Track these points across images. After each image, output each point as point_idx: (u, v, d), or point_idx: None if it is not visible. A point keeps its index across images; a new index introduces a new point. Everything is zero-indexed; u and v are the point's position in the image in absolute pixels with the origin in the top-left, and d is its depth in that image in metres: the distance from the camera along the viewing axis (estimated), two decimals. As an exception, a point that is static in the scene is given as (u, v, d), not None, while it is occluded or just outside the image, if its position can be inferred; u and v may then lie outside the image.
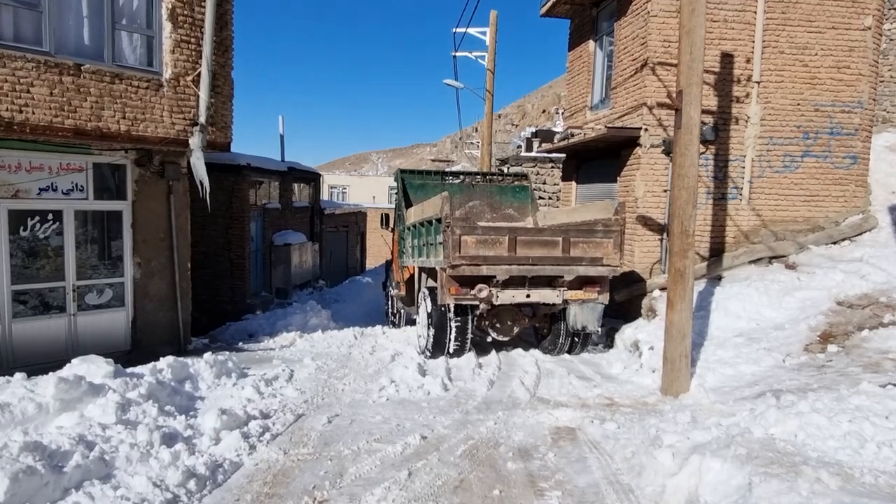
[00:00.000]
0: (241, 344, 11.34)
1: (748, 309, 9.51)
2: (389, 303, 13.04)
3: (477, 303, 8.39)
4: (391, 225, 13.07)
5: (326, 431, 6.07)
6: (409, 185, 11.44)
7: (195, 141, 9.05)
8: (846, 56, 11.74)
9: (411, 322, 12.59)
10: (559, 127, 27.40)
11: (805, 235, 11.79)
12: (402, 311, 12.32)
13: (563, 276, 8.23)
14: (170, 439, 5.19)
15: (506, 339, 9.51)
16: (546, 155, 18.25)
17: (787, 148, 11.80)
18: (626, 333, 10.14)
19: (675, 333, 7.10)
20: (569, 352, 9.62)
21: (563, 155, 16.34)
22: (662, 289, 11.49)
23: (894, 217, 11.67)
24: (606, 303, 8.89)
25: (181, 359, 7.52)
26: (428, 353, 9.21)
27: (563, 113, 29.11)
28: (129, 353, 9.91)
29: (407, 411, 6.86)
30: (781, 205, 11.95)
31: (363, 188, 47.59)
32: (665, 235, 11.55)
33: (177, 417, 5.86)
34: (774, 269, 11.12)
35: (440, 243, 8.17)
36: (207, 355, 7.88)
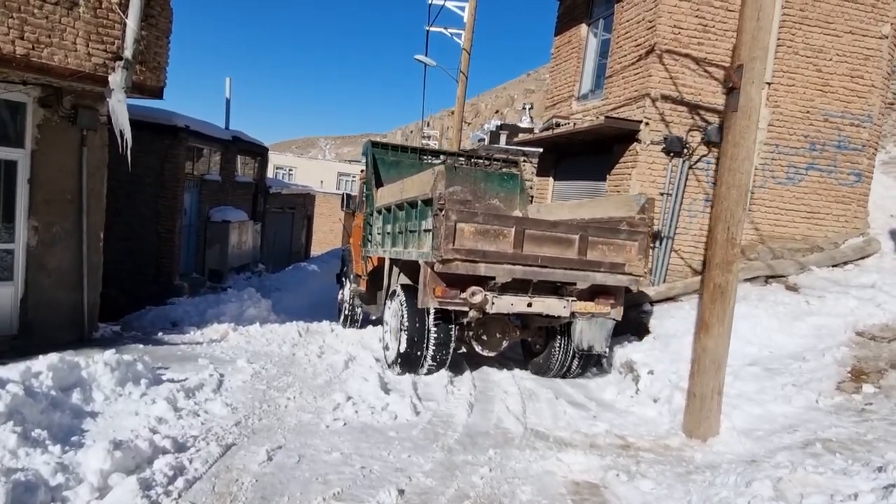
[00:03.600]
0: (160, 334, 9.45)
1: (758, 333, 8.37)
2: (345, 299, 11.26)
3: (466, 309, 6.83)
4: (353, 207, 11.34)
5: (264, 476, 4.42)
6: (381, 161, 9.73)
7: (117, 79, 7.17)
8: (861, 64, 10.82)
9: (371, 323, 10.95)
10: (525, 122, 26.17)
11: (804, 255, 10.82)
12: (361, 309, 10.60)
13: (574, 284, 6.76)
14: (24, 493, 3.43)
15: (492, 354, 7.99)
16: (519, 148, 16.95)
17: (793, 158, 10.80)
18: (617, 352, 8.83)
19: (709, 364, 5.78)
20: (564, 375, 8.18)
21: (539, 149, 15.04)
22: (653, 303, 10.31)
23: (898, 242, 10.84)
24: (619, 319, 7.51)
25: (71, 357, 5.68)
26: (397, 370, 7.58)
27: (529, 108, 27.96)
28: (15, 340, 7.94)
29: (372, 444, 5.28)
30: (781, 220, 10.96)
31: (311, 171, 45.22)
32: (659, 243, 10.36)
33: (47, 450, 4.10)
34: (774, 289, 10.08)
35: (426, 231, 6.57)
36: (108, 354, 6.05)
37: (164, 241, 13.73)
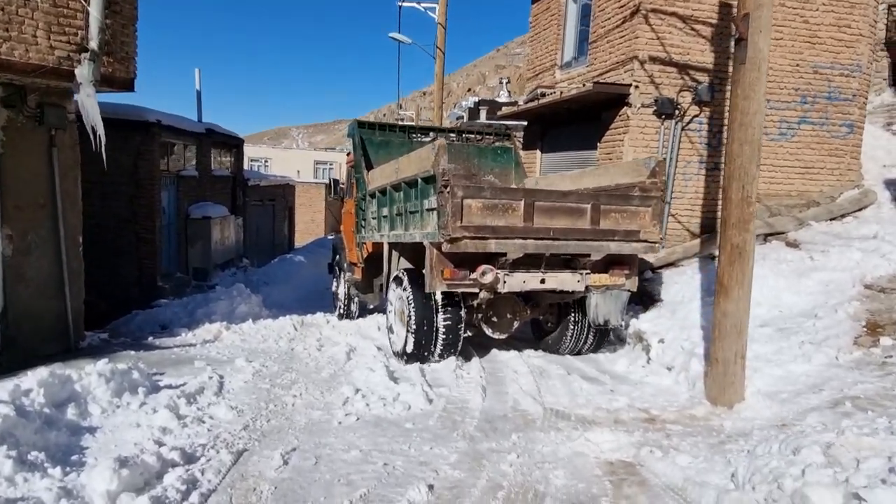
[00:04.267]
0: (151, 339, 9.07)
1: (766, 293, 8.19)
2: (340, 289, 10.85)
3: (476, 290, 6.54)
4: (341, 193, 10.94)
5: (283, 482, 4.14)
6: (369, 142, 9.33)
7: (84, 72, 6.72)
8: (847, 13, 10.63)
9: (368, 312, 10.64)
10: (504, 97, 25.82)
11: (801, 211, 10.70)
12: (358, 298, 10.25)
13: (588, 255, 6.48)
14: (28, 525, 3.13)
15: (503, 336, 7.71)
16: (502, 123, 16.60)
17: (784, 113, 10.63)
18: (625, 323, 8.63)
19: (730, 328, 5.60)
20: (579, 352, 7.95)
21: (523, 122, 14.72)
22: (654, 270, 10.13)
23: (894, 192, 10.75)
24: (634, 290, 7.28)
25: (62, 371, 5.32)
26: (404, 359, 7.29)
27: (506, 83, 27.60)
28: (0, 356, 7.52)
29: (390, 438, 5.02)
30: (776, 177, 10.80)
31: (286, 162, 44.37)
32: (656, 209, 10.15)
33: (47, 473, 3.78)
34: (774, 247, 9.93)
35: (429, 210, 6.24)
36: (101, 364, 5.70)
37: (144, 241, 13.24)
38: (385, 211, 7.75)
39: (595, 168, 8.66)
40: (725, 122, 10.57)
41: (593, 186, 7.17)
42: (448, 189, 5.74)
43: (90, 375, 5.44)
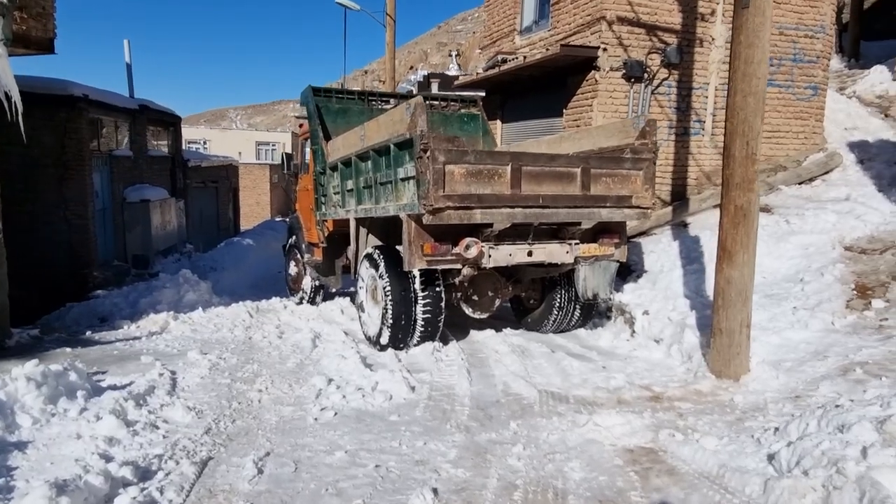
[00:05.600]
0: (89, 333, 8.17)
1: (748, 259, 7.94)
2: (299, 272, 9.97)
3: (459, 266, 5.95)
4: (295, 169, 10.11)
5: (261, 497, 3.52)
6: (326, 109, 8.53)
7: (-7, 28, 5.76)
8: (811, -27, 10.44)
9: (329, 297, 9.92)
10: (453, 70, 25.13)
11: (769, 175, 10.52)
12: (318, 282, 9.48)
13: (578, 224, 5.98)
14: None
15: (484, 315, 7.16)
16: (458, 94, 15.94)
17: (752, 76, 10.38)
18: (603, 295, 8.24)
19: (735, 295, 5.22)
20: (565, 329, 7.50)
21: (481, 92, 14.13)
22: (628, 239, 9.77)
23: (858, 154, 10.71)
24: (624, 260, 6.84)
25: (-19, 378, 4.50)
26: (378, 347, 6.69)
27: (456, 55, 26.89)
28: None
29: (376, 435, 4.44)
30: (744, 141, 10.59)
31: (226, 143, 42.41)
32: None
33: (-37, 508, 3.05)
34: (746, 213, 9.74)
35: (405, 179, 5.60)
36: (30, 366, 4.87)
37: (76, 228, 12.10)
38: (350, 184, 7.04)
39: (575, 131, 8.17)
40: (693, 84, 10.34)
41: (574, 151, 6.67)
42: (428, 154, 5.11)
43: (17, 380, 4.63)
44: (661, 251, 8.97)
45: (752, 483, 3.30)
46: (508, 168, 5.38)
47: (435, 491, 3.52)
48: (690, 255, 8.52)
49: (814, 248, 8.03)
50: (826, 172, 10.51)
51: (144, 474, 3.68)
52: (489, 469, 3.83)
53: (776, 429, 3.98)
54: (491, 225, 5.54)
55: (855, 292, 6.77)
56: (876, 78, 13.89)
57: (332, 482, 3.67)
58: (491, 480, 3.68)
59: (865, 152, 10.78)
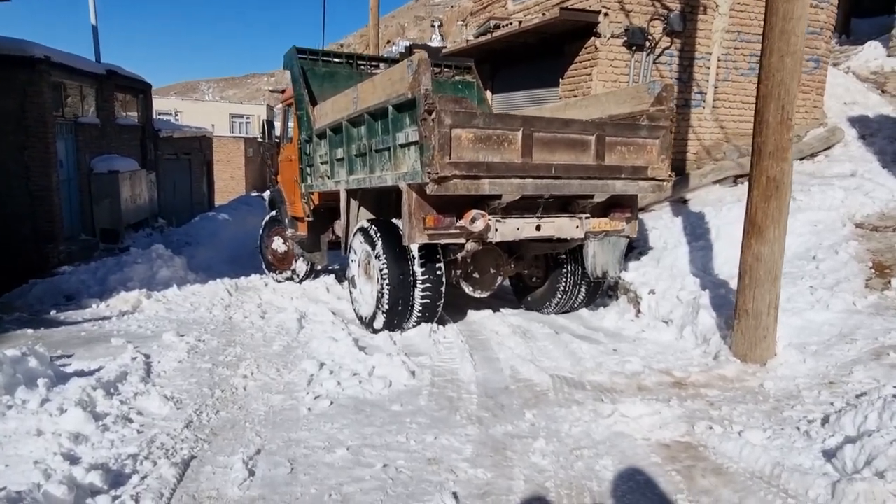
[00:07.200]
0: (54, 313, 7.56)
1: (756, 237, 7.59)
2: (287, 250, 9.22)
3: (463, 241, 5.45)
4: (277, 137, 9.42)
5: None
6: (312, 73, 7.87)
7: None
8: (816, -62, 10.02)
9: (316, 274, 9.34)
10: (436, 42, 24.34)
11: (770, 150, 10.19)
12: (303, 259, 8.87)
13: (591, 197, 5.51)
14: None
15: (484, 294, 6.69)
16: (450, 60, 15.27)
17: (755, 46, 9.97)
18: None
19: (764, 274, 4.85)
20: (570, 309, 7.06)
21: (470, 60, 13.54)
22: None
23: (859, 129, 10.44)
24: (634, 235, 6.41)
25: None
26: (371, 328, 6.21)
27: (439, 26, 26.07)
28: None
29: (379, 428, 3.99)
30: (745, 115, 10.24)
31: (198, 115, 40.94)
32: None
33: None
34: (746, 188, 9.41)
35: (405, 145, 5.05)
36: (-16, 352, 4.31)
37: (39, 200, 11.30)
38: (340, 152, 6.46)
39: (581, 98, 7.69)
40: (695, 54, 9.92)
41: (590, 117, 6.18)
42: (434, 116, 4.58)
43: (-32, 368, 4.07)
44: (662, 227, 8.62)
45: (817, 486, 2.92)
46: (520, 134, 4.88)
47: (455, 496, 3.09)
48: (695, 231, 8.16)
49: (823, 225, 7.72)
50: (828, 148, 10.22)
51: (116, 479, 3.18)
52: (512, 469, 3.40)
53: (824, 420, 3.62)
54: (499, 196, 5.05)
55: (873, 271, 6.46)
56: (870, 54, 13.63)
57: (334, 486, 3.21)
58: (517, 483, 3.25)
59: (866, 127, 10.51)
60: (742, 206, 8.12)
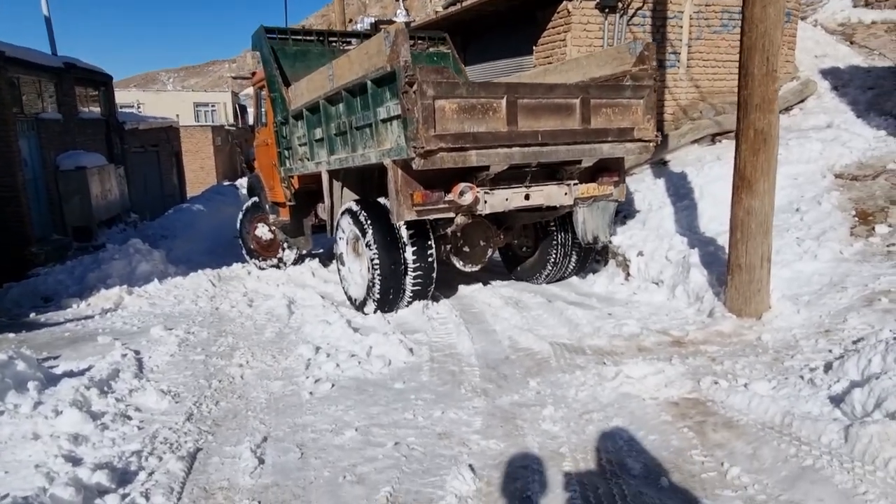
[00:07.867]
0: (33, 315, 7.34)
1: (737, 193, 7.64)
2: (272, 237, 8.99)
3: (452, 215, 5.36)
4: (251, 122, 9.18)
5: (268, 492, 3.00)
6: (282, 53, 7.64)
7: None
8: None
9: (300, 260, 9.19)
10: (401, 17, 23.94)
11: (745, 107, 10.24)
12: (287, 245, 8.70)
13: (578, 163, 5.45)
14: None
15: (476, 268, 6.61)
16: (417, 34, 15.01)
17: (726, 1, 9.98)
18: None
19: (755, 228, 4.87)
20: (561, 278, 7.04)
21: (443, 33, 13.33)
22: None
23: (832, 81, 10.51)
24: (623, 199, 6.38)
25: None
26: (364, 311, 6.13)
27: (403, 0, 25.64)
28: None
29: (385, 407, 3.95)
30: (719, 73, 10.27)
31: (161, 105, 39.92)
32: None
33: None
34: (726, 146, 9.42)
35: (387, 120, 4.92)
36: (-32, 358, 4.16)
37: (6, 201, 10.95)
38: (319, 132, 6.29)
39: (560, 63, 7.58)
40: (667, 13, 9.86)
41: (571, 81, 6.09)
42: (415, 87, 4.47)
43: (-47, 376, 3.93)
44: (645, 189, 8.63)
45: (829, 431, 2.95)
46: (504, 101, 4.78)
47: (472, 468, 3.06)
48: (678, 192, 8.19)
49: (803, 177, 7.79)
50: (801, 101, 10.28)
51: (123, 477, 3.09)
52: (525, 438, 3.39)
53: (826, 367, 3.66)
54: (487, 168, 4.96)
55: (856, 219, 6.54)
56: (836, 5, 13.73)
57: (348, 467, 3.16)
58: (531, 451, 3.23)
59: (838, 79, 10.59)
60: (722, 165, 8.24)
